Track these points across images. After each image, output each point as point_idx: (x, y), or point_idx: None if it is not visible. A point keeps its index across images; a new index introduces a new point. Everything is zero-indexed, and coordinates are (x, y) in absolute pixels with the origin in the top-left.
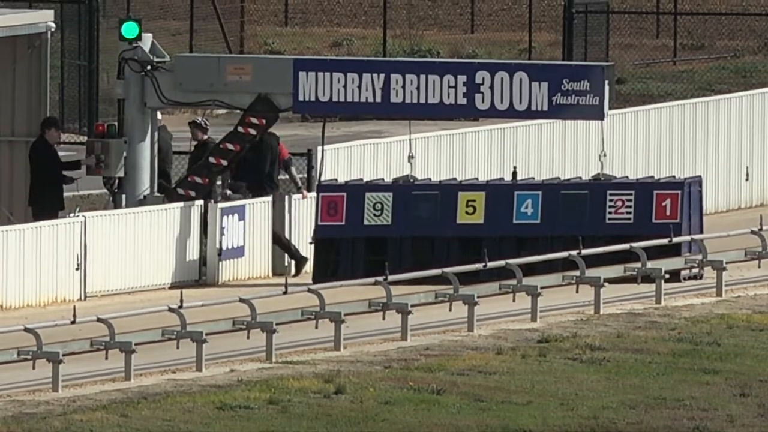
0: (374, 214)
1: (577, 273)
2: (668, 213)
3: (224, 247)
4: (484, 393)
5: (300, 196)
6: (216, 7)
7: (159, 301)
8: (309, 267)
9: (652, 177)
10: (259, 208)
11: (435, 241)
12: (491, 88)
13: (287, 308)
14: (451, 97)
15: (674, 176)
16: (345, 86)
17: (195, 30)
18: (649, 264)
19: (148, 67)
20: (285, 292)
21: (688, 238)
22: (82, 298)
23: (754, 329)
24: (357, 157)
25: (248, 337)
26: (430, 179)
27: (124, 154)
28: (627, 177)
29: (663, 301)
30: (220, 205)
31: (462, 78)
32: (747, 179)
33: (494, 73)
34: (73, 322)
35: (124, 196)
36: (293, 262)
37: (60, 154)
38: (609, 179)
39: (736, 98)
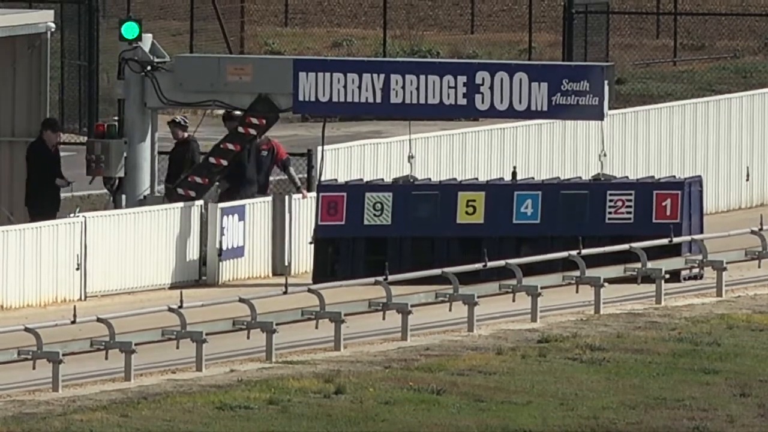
0: (374, 214)
1: (577, 273)
2: (668, 213)
3: (224, 247)
4: (484, 393)
5: (300, 196)
6: (216, 7)
7: (159, 301)
8: (309, 267)
9: (653, 177)
10: (259, 208)
11: (435, 241)
12: (491, 88)
13: (287, 308)
14: (451, 98)
15: (674, 176)
16: (345, 86)
17: (195, 30)
18: (650, 264)
19: (149, 68)
20: (285, 292)
21: (688, 238)
22: (83, 298)
23: (754, 329)
24: (357, 157)
25: (248, 337)
26: (430, 179)
27: (125, 154)
28: (627, 177)
29: (663, 301)
30: (221, 205)
31: (462, 78)
32: (747, 179)
33: (494, 74)
34: (73, 322)
35: (124, 196)
36: None
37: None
38: (609, 179)
39: (737, 98)
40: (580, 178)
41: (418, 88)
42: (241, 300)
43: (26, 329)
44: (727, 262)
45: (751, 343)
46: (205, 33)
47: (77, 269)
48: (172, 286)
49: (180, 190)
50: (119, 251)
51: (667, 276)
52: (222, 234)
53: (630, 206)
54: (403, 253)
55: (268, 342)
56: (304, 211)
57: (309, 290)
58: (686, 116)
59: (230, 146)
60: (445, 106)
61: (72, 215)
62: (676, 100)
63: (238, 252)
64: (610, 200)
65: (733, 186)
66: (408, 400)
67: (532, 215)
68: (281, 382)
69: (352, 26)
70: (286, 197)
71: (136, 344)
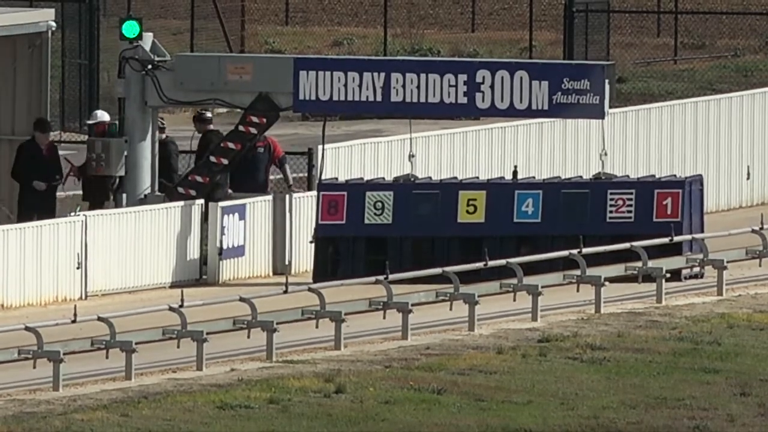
0: (375, 213)
1: (577, 272)
2: (669, 212)
3: (225, 247)
4: (485, 392)
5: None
6: (217, 6)
7: (159, 300)
8: (310, 266)
9: (653, 176)
10: (260, 207)
11: (435, 240)
12: (492, 87)
13: (288, 307)
14: (451, 96)
15: (675, 175)
16: (345, 85)
17: (196, 29)
18: (650, 263)
19: (149, 66)
20: (285, 292)
21: (688, 237)
22: (83, 297)
23: (754, 328)
24: (357, 156)
25: (249, 337)
26: (430, 178)
27: (125, 153)
28: (628, 176)
29: (664, 300)
30: (221, 204)
31: (462, 77)
32: (748, 178)
33: (495, 72)
34: (73, 321)
35: (124, 195)
36: None
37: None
38: (610, 178)
39: (737, 97)
40: (581, 177)
41: (418, 87)
42: (241, 299)
43: (27, 328)
44: (727, 261)
45: (752, 343)
46: (205, 32)
47: (78, 268)
48: (173, 285)
49: (180, 189)
50: (120, 250)
51: (668, 275)
52: (222, 233)
53: (631, 205)
54: (403, 252)
55: (269, 341)
56: (304, 210)
57: (309, 289)
58: (687, 115)
59: (231, 145)
60: (445, 105)
61: (72, 214)
62: (677, 99)
63: (238, 251)
64: (611, 199)
65: (734, 185)
66: (408, 399)
67: (533, 214)
68: (282, 381)
69: (353, 25)
70: (287, 196)
71: (136, 343)
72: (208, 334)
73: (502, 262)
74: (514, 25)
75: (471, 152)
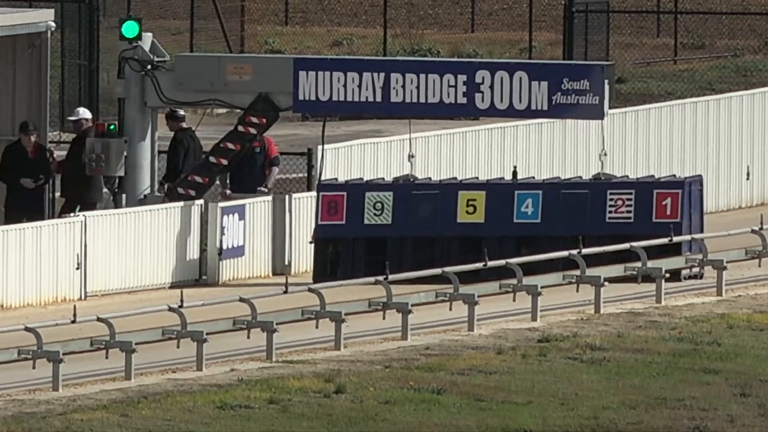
0: (374, 214)
1: (577, 272)
2: (668, 212)
3: (224, 247)
4: (485, 393)
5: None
6: (216, 6)
7: (159, 300)
8: (310, 266)
9: (653, 176)
10: (260, 207)
11: (435, 240)
12: (491, 87)
13: (287, 308)
14: (451, 97)
15: (675, 175)
16: (345, 85)
17: (195, 29)
18: (650, 263)
19: (149, 67)
20: (285, 292)
21: (688, 237)
22: (83, 297)
23: (754, 329)
24: (357, 157)
25: (248, 337)
26: (430, 178)
27: (125, 153)
28: (627, 176)
29: (663, 300)
30: (221, 204)
31: (462, 77)
32: (747, 178)
33: (494, 73)
34: (73, 322)
35: (124, 195)
36: None
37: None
38: (609, 178)
39: (737, 97)
40: (581, 177)
41: (418, 87)
42: (241, 299)
43: (26, 329)
44: (727, 262)
45: (752, 343)
46: (205, 32)
47: (77, 268)
48: (173, 286)
49: (180, 189)
50: (119, 250)
51: (668, 275)
52: (222, 233)
53: (630, 205)
54: (403, 252)
55: (269, 341)
56: (304, 210)
57: (309, 290)
58: (686, 115)
59: (230, 145)
60: (445, 105)
61: (72, 214)
62: (677, 99)
63: (238, 251)
64: (611, 199)
65: (734, 185)
66: (408, 399)
67: (533, 214)
68: (281, 381)
69: (353, 25)
70: (287, 197)
71: (136, 343)
72: (208, 334)
73: (502, 262)
74: (513, 25)
75: (471, 152)
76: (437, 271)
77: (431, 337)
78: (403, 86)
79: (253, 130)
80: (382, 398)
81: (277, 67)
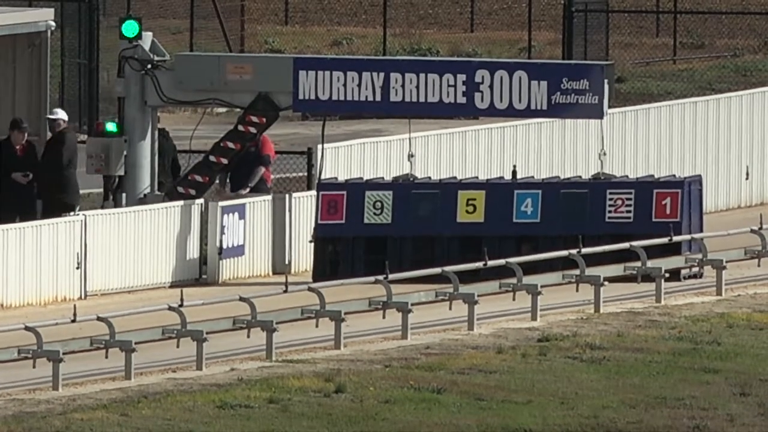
0: (374, 213)
1: (577, 272)
2: (668, 212)
3: (224, 246)
4: (485, 392)
5: (245, 190)
6: (216, 5)
7: (159, 299)
8: (309, 266)
9: (652, 176)
10: (260, 206)
11: (435, 239)
12: (491, 86)
13: (287, 307)
14: (450, 96)
15: (674, 175)
16: (345, 85)
17: (195, 28)
18: (649, 263)
19: (149, 66)
20: (285, 291)
21: (688, 237)
22: (83, 296)
23: (754, 328)
24: (357, 156)
25: (248, 336)
26: (430, 178)
27: (125, 152)
28: (627, 176)
29: (663, 300)
30: (221, 203)
31: (461, 77)
32: (747, 178)
33: (494, 72)
34: (73, 321)
35: (124, 194)
36: None
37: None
38: (609, 178)
39: (736, 97)
40: (580, 177)
41: (417, 87)
42: (241, 299)
43: (26, 328)
44: (726, 261)
45: (751, 342)
46: (205, 31)
47: (77, 268)
48: (173, 285)
49: (180, 189)
50: (119, 250)
51: (667, 275)
52: (222, 232)
53: (630, 205)
54: (403, 251)
55: (269, 341)
56: (304, 209)
57: (309, 289)
58: (686, 115)
59: (230, 145)
60: (444, 105)
61: (72, 214)
62: (676, 98)
63: (238, 251)
64: (610, 199)
65: (733, 185)
66: (408, 399)
67: (532, 214)
68: (281, 380)
69: (352, 25)
70: (287, 196)
71: (136, 343)
72: (207, 333)
73: (502, 261)
74: (513, 25)
75: (470, 152)
76: (437, 270)
77: (431, 336)
78: (403, 86)
79: (253, 130)
80: (382, 397)
81: (277, 67)
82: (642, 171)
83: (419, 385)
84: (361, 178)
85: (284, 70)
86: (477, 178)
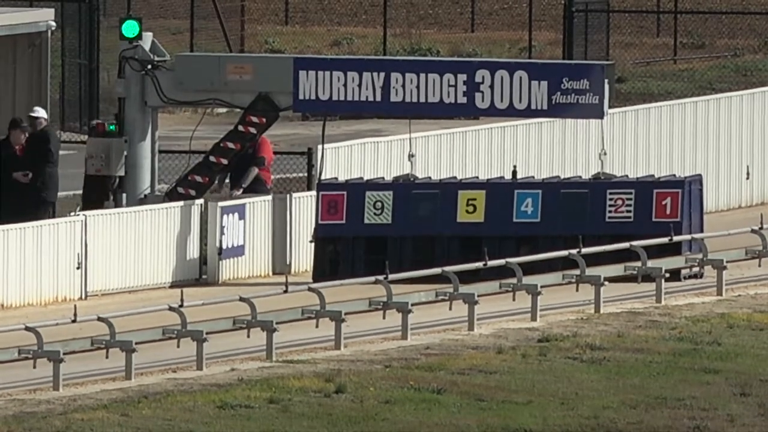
0: (374, 213)
1: (577, 272)
2: (668, 212)
3: (224, 246)
4: (485, 392)
5: (236, 191)
6: (216, 5)
7: (159, 300)
8: (310, 266)
9: (653, 176)
10: (260, 206)
11: (435, 239)
12: (491, 86)
13: (287, 307)
14: (451, 96)
15: (674, 175)
16: (345, 85)
17: (195, 29)
18: (650, 263)
19: (149, 66)
20: (285, 291)
21: (688, 237)
22: (83, 297)
23: (754, 328)
24: (357, 156)
25: (248, 336)
26: (430, 178)
27: (125, 153)
28: (627, 176)
29: (663, 300)
30: (221, 203)
31: (462, 77)
32: (747, 178)
33: (494, 72)
34: (73, 321)
35: (124, 195)
36: None
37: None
38: (609, 178)
39: (737, 97)
40: (580, 176)
41: (418, 87)
42: (241, 299)
43: (27, 328)
44: (727, 261)
45: (752, 343)
46: (205, 31)
47: (78, 268)
48: (173, 285)
49: (180, 189)
50: (120, 250)
51: (668, 275)
52: (222, 233)
53: (630, 205)
54: (403, 251)
55: (269, 341)
56: (304, 210)
57: (309, 289)
58: (686, 115)
59: (230, 145)
60: (445, 105)
61: (72, 214)
62: (677, 98)
63: (238, 251)
64: (610, 199)
65: (734, 185)
66: (408, 399)
67: (533, 214)
68: (282, 381)
69: (353, 25)
70: (287, 196)
71: (136, 343)
72: (208, 333)
73: (502, 261)
74: (513, 25)
75: (470, 152)
76: (437, 270)
77: (431, 336)
78: (403, 86)
79: (253, 130)
80: (382, 398)
81: (277, 67)
82: (642, 171)
83: (419, 385)
84: (362, 179)
85: (284, 70)
86: (477, 178)
